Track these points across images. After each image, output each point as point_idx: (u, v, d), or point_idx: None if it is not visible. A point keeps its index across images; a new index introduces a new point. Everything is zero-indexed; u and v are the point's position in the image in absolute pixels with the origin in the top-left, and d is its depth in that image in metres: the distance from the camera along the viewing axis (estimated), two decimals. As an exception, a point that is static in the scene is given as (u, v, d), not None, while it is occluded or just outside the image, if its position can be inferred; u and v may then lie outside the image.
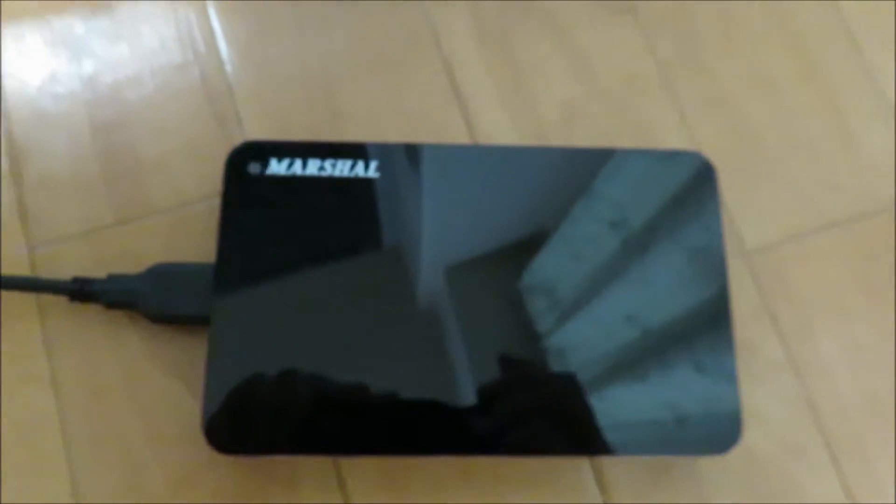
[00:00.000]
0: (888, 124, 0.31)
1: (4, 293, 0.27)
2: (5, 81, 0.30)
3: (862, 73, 0.32)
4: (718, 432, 0.25)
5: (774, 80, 0.32)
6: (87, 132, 0.30)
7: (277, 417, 0.25)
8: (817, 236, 0.30)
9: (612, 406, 0.25)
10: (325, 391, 0.25)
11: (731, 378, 0.26)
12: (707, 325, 0.26)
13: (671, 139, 0.31)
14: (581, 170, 0.28)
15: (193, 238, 0.28)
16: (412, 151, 0.28)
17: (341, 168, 0.27)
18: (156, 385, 0.27)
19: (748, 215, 0.30)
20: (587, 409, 0.25)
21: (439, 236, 0.27)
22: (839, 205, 0.31)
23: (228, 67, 0.31)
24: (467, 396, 0.25)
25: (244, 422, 0.25)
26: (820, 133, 0.31)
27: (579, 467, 0.27)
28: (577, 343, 0.26)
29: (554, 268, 0.27)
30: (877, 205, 0.31)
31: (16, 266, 0.28)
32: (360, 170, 0.27)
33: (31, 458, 0.26)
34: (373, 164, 0.27)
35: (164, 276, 0.27)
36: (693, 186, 0.28)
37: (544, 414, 0.26)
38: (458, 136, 0.30)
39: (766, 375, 0.29)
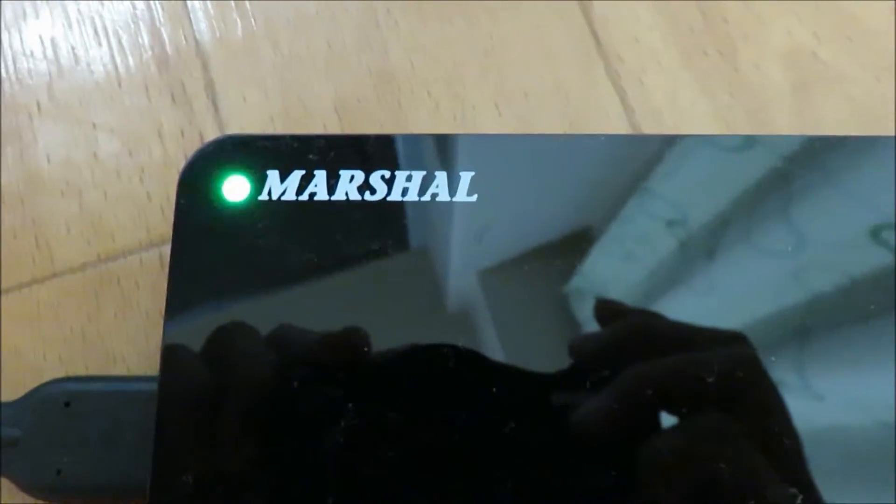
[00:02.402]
0: None
1: None
2: None
3: None
4: None
5: None
6: (-57, 126, 0.17)
7: None
8: None
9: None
10: None
11: None
12: None
13: None
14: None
15: (121, 326, 0.15)
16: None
17: (404, 184, 0.14)
18: None
19: None
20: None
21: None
22: None
23: (196, 13, 0.17)
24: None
25: None
26: None
27: None
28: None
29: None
30: None
31: None
32: (440, 189, 0.14)
33: None
34: (464, 178, 0.14)
35: (62, 408, 0.14)
36: None
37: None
38: (605, 119, 0.17)
39: None
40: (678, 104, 0.17)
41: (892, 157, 0.15)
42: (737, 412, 0.13)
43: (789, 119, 0.17)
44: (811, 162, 0.15)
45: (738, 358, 0.13)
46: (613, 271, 0.14)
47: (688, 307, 0.14)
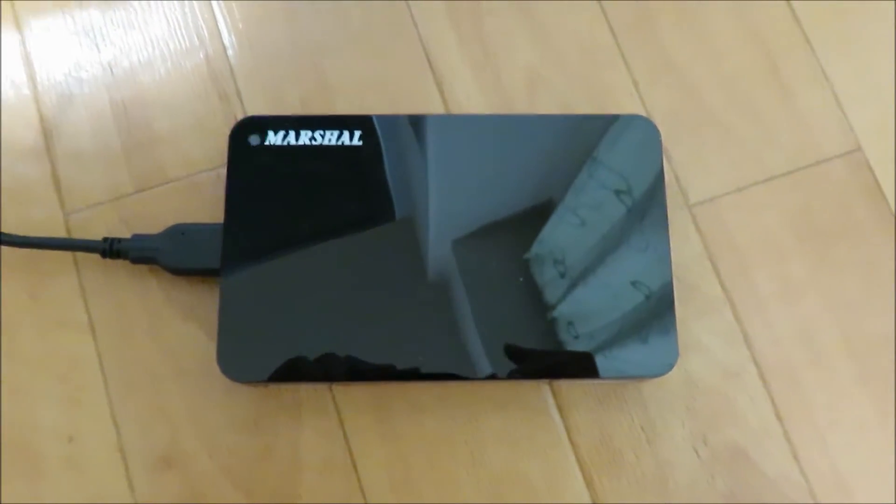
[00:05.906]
0: (822, 85, 0.35)
1: (45, 252, 0.32)
2: (36, 69, 0.34)
3: (798, 37, 0.35)
4: (659, 358, 0.30)
5: (719, 47, 0.35)
6: (108, 112, 0.34)
7: (281, 351, 0.29)
8: (756, 188, 0.34)
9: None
10: (324, 328, 0.30)
11: (670, 306, 0.30)
12: (649, 270, 0.30)
13: (626, 104, 0.35)
14: (537, 136, 0.32)
15: (204, 202, 0.33)
16: (392, 122, 0.32)
17: (329, 138, 0.31)
18: (176, 327, 0.32)
19: (693, 171, 0.34)
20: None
21: (413, 197, 0.31)
22: (777, 159, 0.34)
23: (230, 51, 0.35)
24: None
25: (251, 355, 0.29)
26: (760, 94, 0.35)
27: (540, 392, 0.32)
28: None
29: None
30: (811, 159, 0.34)
31: (54, 229, 0.33)
32: (345, 139, 0.31)
33: (75, 391, 0.31)
34: (357, 134, 0.32)
35: (181, 235, 0.31)
36: (638, 147, 0.32)
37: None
38: (433, 106, 0.34)
39: (706, 311, 0.33)
40: (468, 95, 0.34)
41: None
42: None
43: (525, 107, 0.34)
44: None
45: None
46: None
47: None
